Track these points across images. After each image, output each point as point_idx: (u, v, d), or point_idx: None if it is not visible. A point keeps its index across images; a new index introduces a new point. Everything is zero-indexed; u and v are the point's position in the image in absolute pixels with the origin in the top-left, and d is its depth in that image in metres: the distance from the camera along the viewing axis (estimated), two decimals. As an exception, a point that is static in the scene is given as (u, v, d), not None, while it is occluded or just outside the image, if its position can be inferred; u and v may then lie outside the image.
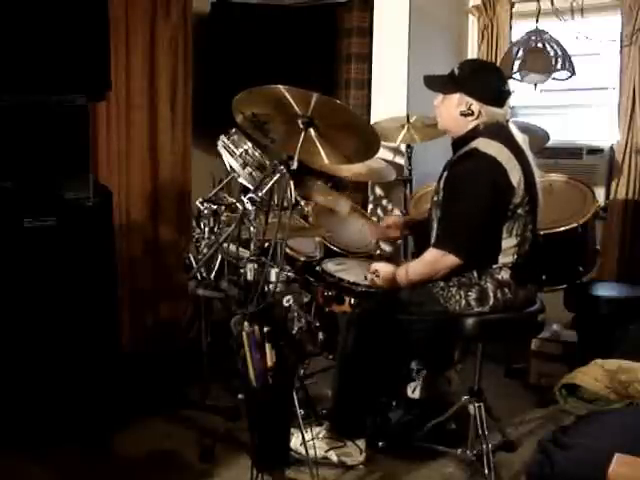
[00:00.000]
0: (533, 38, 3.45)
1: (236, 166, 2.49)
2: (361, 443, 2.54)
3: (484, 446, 2.44)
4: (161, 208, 3.79)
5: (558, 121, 4.05)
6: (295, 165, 2.22)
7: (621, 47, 3.69)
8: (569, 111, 4.10)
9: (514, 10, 4.07)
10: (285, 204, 2.22)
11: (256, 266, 2.21)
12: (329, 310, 2.88)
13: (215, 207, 2.61)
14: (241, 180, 2.52)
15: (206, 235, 2.60)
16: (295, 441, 2.46)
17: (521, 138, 2.47)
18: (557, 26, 3.73)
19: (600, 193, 3.71)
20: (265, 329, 2.09)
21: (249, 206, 2.20)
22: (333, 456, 2.52)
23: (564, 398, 2.63)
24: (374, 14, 4.00)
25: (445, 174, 2.48)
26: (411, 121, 3.62)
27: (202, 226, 2.62)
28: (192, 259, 2.64)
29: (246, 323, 2.10)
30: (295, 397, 2.28)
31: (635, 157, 3.68)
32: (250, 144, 2.51)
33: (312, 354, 2.99)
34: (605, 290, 3.35)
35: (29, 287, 2.57)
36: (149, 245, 3.74)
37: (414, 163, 3.83)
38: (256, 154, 2.50)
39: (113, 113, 3.49)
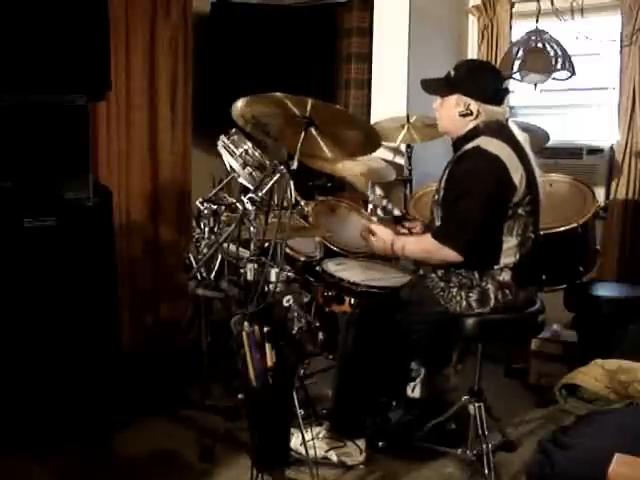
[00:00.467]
0: (533, 38, 3.45)
1: (236, 166, 2.49)
2: (361, 443, 2.54)
3: (484, 446, 2.44)
4: (161, 208, 3.79)
5: (558, 121, 4.05)
6: (295, 165, 2.23)
7: (621, 47, 3.69)
8: (569, 111, 4.10)
9: (514, 10, 4.08)
10: (285, 204, 2.22)
11: (256, 266, 2.22)
12: (329, 310, 2.89)
13: (215, 207, 2.61)
14: (241, 180, 2.52)
15: (206, 235, 2.60)
16: (295, 441, 2.46)
17: (522, 137, 2.46)
18: (557, 26, 3.73)
19: (600, 193, 3.71)
20: (265, 329, 2.10)
21: (249, 206, 2.21)
22: (333, 456, 2.52)
23: (564, 398, 2.62)
24: (374, 14, 4.00)
25: (447, 172, 2.48)
26: (411, 121, 3.62)
27: (202, 226, 2.62)
28: (192, 259, 2.64)
29: (246, 323, 2.10)
30: (295, 397, 2.28)
31: (635, 157, 3.68)
32: (250, 144, 2.51)
33: (312, 354, 2.99)
34: (605, 290, 3.35)
35: (29, 287, 2.57)
36: (149, 245, 3.74)
37: (414, 163, 3.83)
38: (256, 154, 2.50)
39: (113, 113, 3.50)
